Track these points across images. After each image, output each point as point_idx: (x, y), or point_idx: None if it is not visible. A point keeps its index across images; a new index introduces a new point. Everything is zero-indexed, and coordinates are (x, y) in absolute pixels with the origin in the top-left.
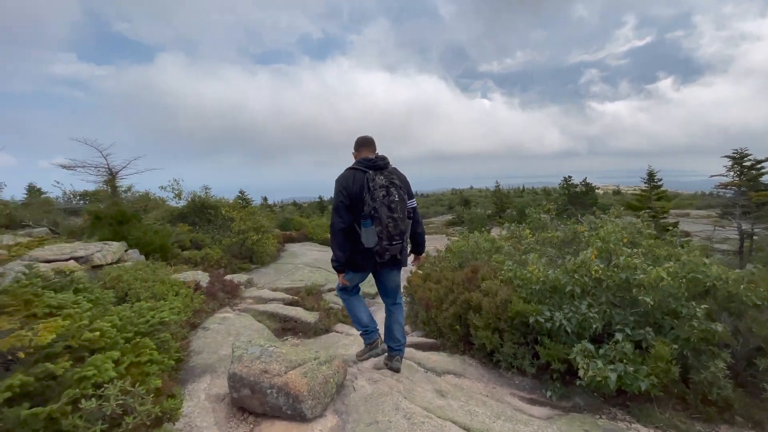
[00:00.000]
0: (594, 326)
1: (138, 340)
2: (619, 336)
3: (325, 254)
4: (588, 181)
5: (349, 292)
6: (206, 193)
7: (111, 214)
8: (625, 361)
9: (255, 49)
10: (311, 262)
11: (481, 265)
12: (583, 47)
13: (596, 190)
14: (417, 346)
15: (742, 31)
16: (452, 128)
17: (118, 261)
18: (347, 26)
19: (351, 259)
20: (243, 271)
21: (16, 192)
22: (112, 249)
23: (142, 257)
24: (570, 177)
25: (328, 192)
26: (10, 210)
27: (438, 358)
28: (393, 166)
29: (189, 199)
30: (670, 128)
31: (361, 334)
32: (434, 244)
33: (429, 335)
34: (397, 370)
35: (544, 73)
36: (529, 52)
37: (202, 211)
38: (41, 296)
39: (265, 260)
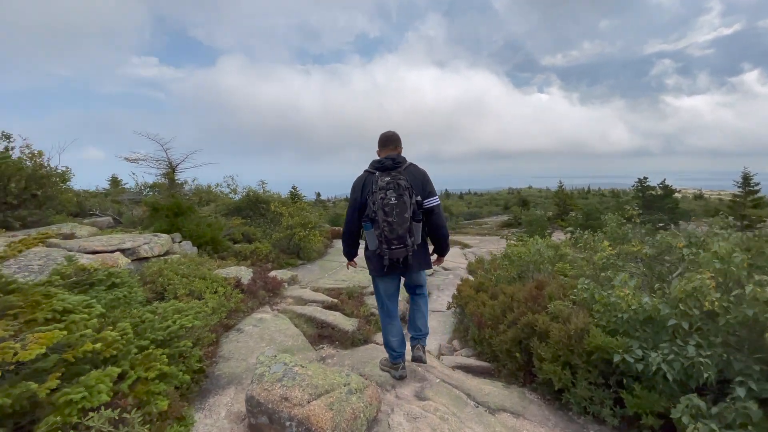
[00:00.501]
0: (705, 375)
1: (150, 350)
2: (740, 391)
3: None
4: (666, 182)
5: (385, 309)
6: (263, 187)
7: (167, 205)
8: (749, 426)
9: (314, 50)
10: (358, 261)
11: (548, 279)
12: (662, 36)
13: (675, 194)
14: (467, 369)
15: None
16: (508, 124)
17: (166, 254)
18: (398, 23)
19: (366, 259)
20: (289, 267)
21: (102, 182)
22: (161, 241)
23: (195, 249)
24: (645, 178)
25: None
26: (80, 199)
27: (492, 390)
28: (410, 164)
29: (244, 194)
30: (759, 126)
31: (386, 350)
32: (488, 246)
33: (481, 356)
34: (420, 360)
35: (614, 65)
36: (599, 43)
37: (255, 205)
38: (52, 297)
39: (311, 256)
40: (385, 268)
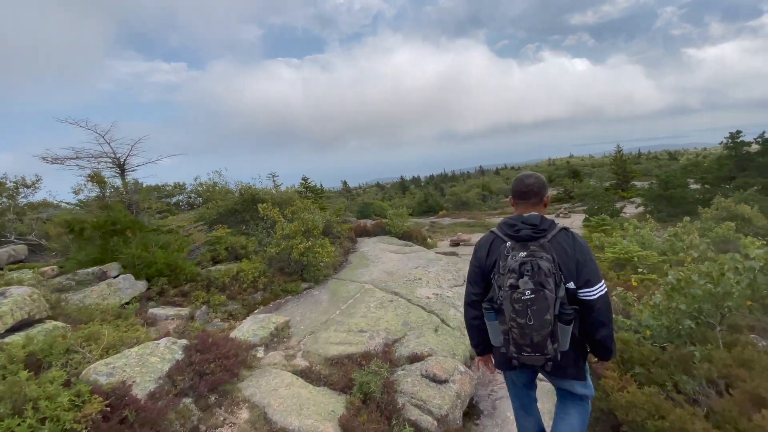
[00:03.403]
0: None
1: None
2: None
3: (407, 260)
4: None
5: (517, 402)
6: (274, 182)
7: (95, 223)
8: None
9: (336, 36)
10: (385, 280)
11: None
12: None
13: None
14: None
15: None
16: (536, 93)
17: (25, 325)
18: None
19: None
20: (288, 295)
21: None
22: (5, 307)
23: (140, 285)
24: (739, 132)
25: (409, 171)
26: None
27: None
28: (561, 230)
29: (239, 192)
30: None
31: None
32: None
33: None
34: None
35: (652, 16)
36: None
37: (253, 207)
38: None
39: (321, 274)
40: (514, 367)
